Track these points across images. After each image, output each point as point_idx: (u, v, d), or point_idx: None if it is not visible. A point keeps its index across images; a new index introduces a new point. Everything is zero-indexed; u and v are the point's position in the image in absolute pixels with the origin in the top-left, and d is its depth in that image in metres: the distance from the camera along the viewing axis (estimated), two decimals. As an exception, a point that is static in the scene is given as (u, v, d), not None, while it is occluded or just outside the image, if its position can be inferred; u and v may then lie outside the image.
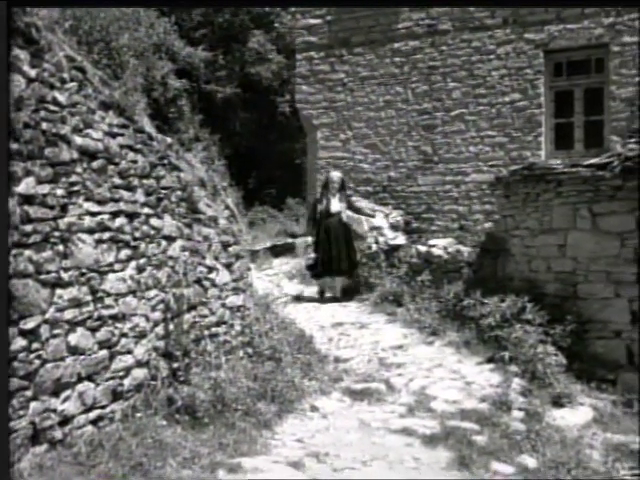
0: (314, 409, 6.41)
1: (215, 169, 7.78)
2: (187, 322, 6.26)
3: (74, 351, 4.82)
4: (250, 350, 6.94)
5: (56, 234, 4.65)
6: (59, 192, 4.68)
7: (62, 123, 4.74)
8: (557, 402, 6.68)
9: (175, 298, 6.08)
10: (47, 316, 4.55)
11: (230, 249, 7.22)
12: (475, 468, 5.25)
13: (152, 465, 4.65)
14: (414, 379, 7.23)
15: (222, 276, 7.04)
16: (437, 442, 5.69)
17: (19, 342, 4.28)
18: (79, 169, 4.91)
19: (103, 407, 5.11)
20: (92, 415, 4.99)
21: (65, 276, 4.73)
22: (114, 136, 5.36)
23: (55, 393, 4.63)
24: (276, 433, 5.79)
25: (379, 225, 11.75)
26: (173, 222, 6.16)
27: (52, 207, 4.61)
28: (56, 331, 4.63)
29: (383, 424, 6.11)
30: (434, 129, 12.55)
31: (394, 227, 11.93)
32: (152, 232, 5.83)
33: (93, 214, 5.06)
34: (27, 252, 4.38)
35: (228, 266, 7.16)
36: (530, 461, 5.42)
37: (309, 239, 11.35)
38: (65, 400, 4.72)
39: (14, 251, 4.25)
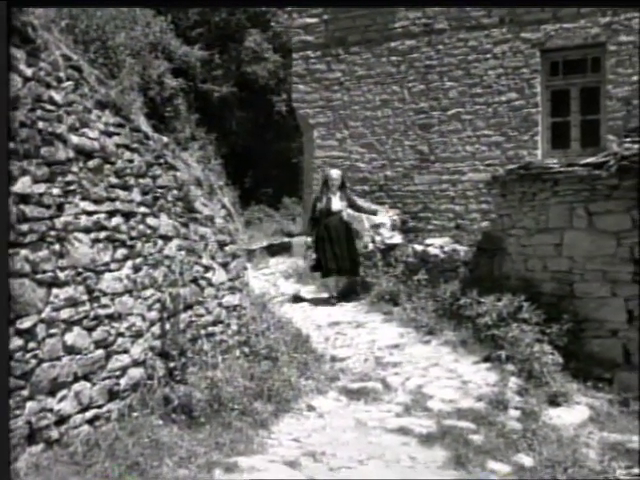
0: (310, 408, 6.41)
1: (211, 168, 7.77)
2: (183, 321, 6.26)
3: (70, 350, 4.81)
4: (246, 349, 6.93)
5: (52, 233, 4.64)
6: (55, 191, 4.68)
7: (58, 122, 4.74)
8: (553, 401, 6.68)
9: (171, 297, 6.08)
10: (43, 315, 4.55)
11: (226, 248, 7.22)
12: (471, 467, 5.25)
13: (148, 464, 4.65)
14: (410, 378, 7.23)
15: (218, 275, 7.04)
16: (433, 441, 5.69)
17: (15, 341, 4.28)
18: (75, 168, 4.90)
19: (99, 407, 5.11)
20: (88, 415, 4.98)
21: (61, 275, 4.73)
22: (110, 135, 5.35)
23: (51, 393, 4.62)
24: (272, 432, 5.78)
25: (381, 222, 11.68)
26: (169, 221, 6.16)
27: (48, 206, 4.61)
28: (52, 330, 4.63)
29: (379, 423, 6.12)
30: (431, 128, 12.56)
31: (391, 226, 11.91)
32: (148, 231, 5.82)
33: (89, 213, 5.05)
34: (23, 251, 4.38)
35: (224, 265, 7.16)
36: (526, 460, 5.42)
37: (308, 239, 11.17)
38: (61, 400, 4.72)
39: (10, 250, 4.24)
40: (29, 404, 4.40)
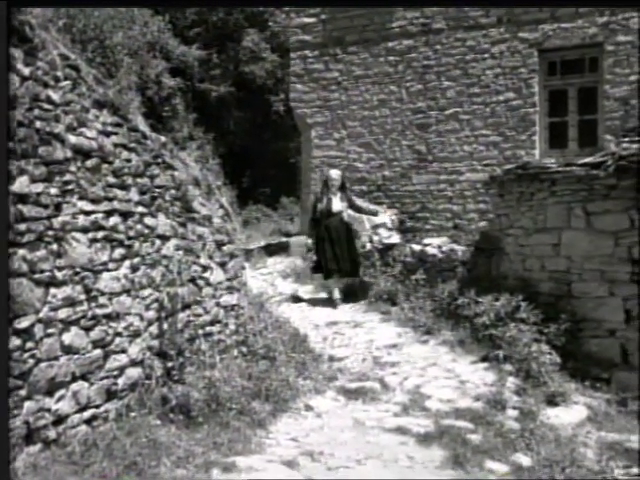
0: (308, 408, 6.40)
1: (209, 168, 7.75)
2: (181, 321, 6.26)
3: (68, 350, 4.81)
4: (244, 349, 6.93)
5: (50, 233, 4.64)
6: (53, 191, 4.67)
7: (56, 122, 4.73)
8: (551, 401, 6.68)
9: (169, 297, 6.07)
10: (41, 315, 4.54)
11: (224, 248, 7.21)
12: (469, 467, 5.25)
13: (146, 464, 4.65)
14: (408, 378, 7.23)
15: (216, 275, 7.03)
16: (431, 441, 5.69)
17: (13, 341, 4.28)
18: (73, 168, 4.89)
19: (97, 406, 5.11)
20: (86, 414, 4.98)
21: (59, 275, 4.72)
22: (108, 135, 5.35)
23: (49, 392, 4.62)
24: (270, 432, 5.78)
25: (382, 222, 11.66)
26: (167, 221, 6.15)
27: (46, 206, 4.60)
28: (50, 330, 4.63)
29: (377, 423, 6.11)
30: (428, 128, 12.56)
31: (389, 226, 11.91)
32: (146, 231, 5.82)
33: (87, 213, 5.05)
34: (21, 251, 4.37)
35: (222, 265, 7.15)
36: (524, 460, 5.42)
37: (309, 240, 11.08)
38: (59, 399, 4.72)
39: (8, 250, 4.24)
40: (27, 404, 4.40)
